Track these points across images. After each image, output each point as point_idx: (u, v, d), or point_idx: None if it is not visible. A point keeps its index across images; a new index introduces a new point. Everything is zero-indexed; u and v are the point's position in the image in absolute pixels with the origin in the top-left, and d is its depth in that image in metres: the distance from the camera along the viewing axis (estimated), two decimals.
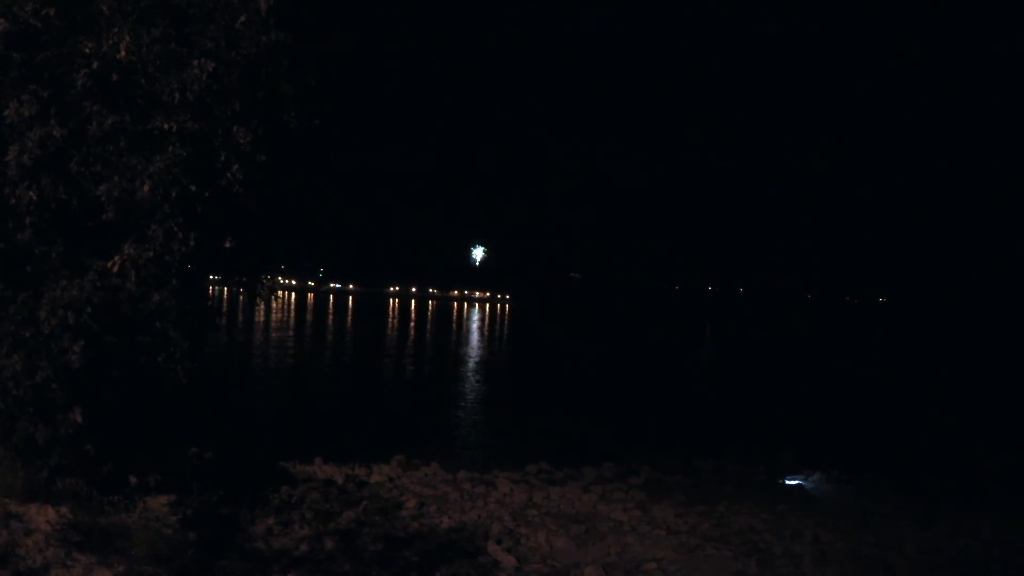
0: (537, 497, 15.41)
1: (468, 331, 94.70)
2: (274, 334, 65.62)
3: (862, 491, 18.16)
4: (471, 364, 53.44)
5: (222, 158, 9.11)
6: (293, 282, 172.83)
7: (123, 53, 8.17)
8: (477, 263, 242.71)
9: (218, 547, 9.68)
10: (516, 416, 30.48)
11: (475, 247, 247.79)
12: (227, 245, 10.11)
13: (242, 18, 8.83)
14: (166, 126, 8.51)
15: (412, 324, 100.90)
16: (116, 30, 8.27)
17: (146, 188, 8.36)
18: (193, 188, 8.79)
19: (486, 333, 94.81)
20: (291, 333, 68.68)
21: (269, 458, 15.82)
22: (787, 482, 19.61)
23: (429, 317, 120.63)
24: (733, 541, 12.80)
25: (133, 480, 10.34)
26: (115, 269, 8.59)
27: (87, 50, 8.32)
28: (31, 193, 8.29)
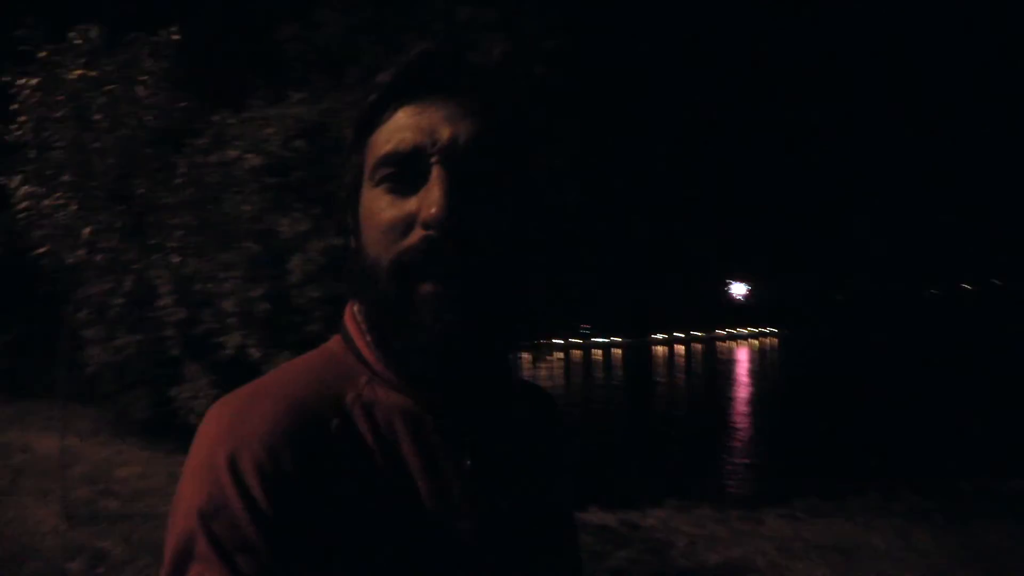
0: (802, 529, 15.92)
1: (734, 370, 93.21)
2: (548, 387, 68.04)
3: None
4: (741, 403, 53.13)
5: None
6: (558, 340, 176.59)
7: None
8: (740, 299, 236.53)
9: None
10: (786, 450, 30.45)
11: (735, 284, 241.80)
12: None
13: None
14: None
15: (676, 369, 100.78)
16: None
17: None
18: None
19: (753, 370, 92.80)
20: (567, 388, 70.80)
21: None
22: None
23: (695, 360, 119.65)
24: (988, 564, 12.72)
25: None
26: None
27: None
28: (315, 294, 9.48)
